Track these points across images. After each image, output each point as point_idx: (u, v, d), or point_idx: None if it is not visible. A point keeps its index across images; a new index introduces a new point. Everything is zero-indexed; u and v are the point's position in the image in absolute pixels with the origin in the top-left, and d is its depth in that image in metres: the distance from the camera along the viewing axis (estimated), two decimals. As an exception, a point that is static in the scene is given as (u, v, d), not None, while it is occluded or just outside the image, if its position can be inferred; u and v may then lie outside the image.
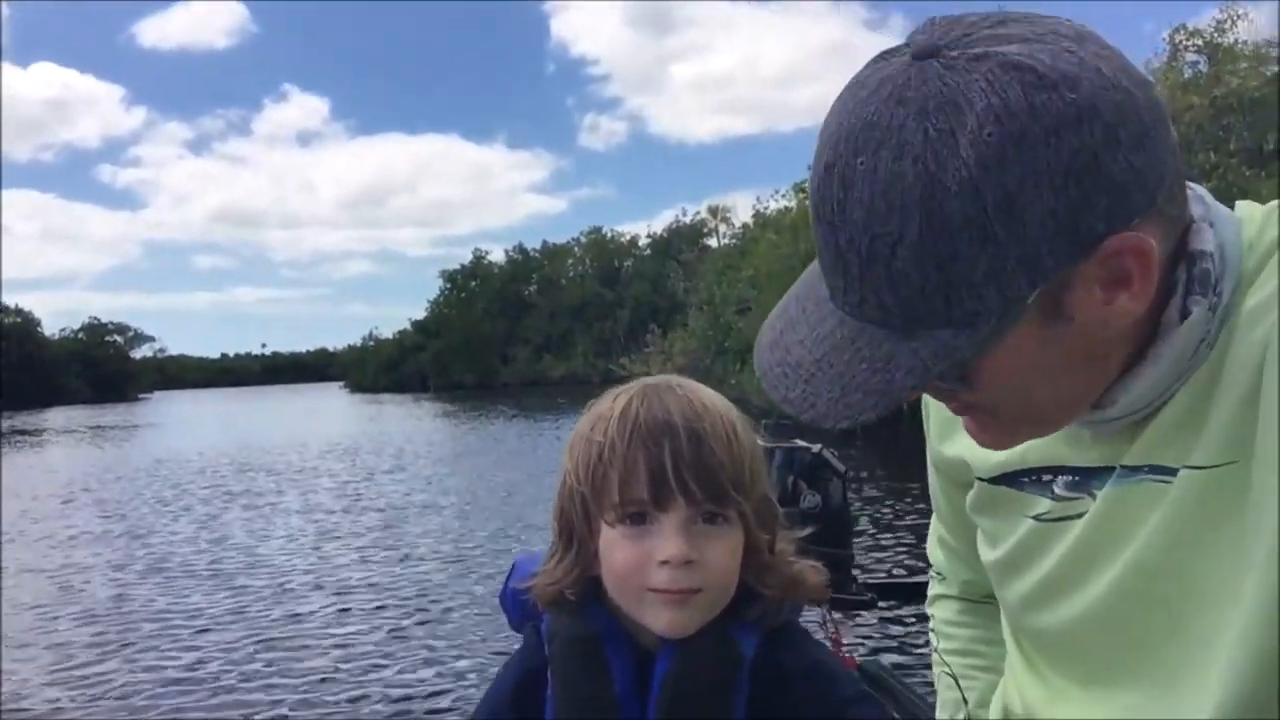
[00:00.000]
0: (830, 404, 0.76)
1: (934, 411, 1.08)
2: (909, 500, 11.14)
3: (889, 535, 9.53)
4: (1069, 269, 0.71)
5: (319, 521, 12.24)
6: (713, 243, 54.39)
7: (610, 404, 0.97)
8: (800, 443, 1.99)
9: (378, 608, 7.78)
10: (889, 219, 0.69)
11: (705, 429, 0.92)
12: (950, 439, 1.05)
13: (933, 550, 1.27)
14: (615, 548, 0.93)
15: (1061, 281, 0.72)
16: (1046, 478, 0.92)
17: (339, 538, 11.04)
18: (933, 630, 1.28)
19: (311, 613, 7.70)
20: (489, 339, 77.00)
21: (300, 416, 44.92)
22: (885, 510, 10.84)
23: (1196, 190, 0.81)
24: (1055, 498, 0.91)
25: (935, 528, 1.25)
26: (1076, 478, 0.89)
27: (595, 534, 0.95)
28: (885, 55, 0.74)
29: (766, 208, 39.81)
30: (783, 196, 37.96)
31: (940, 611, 1.27)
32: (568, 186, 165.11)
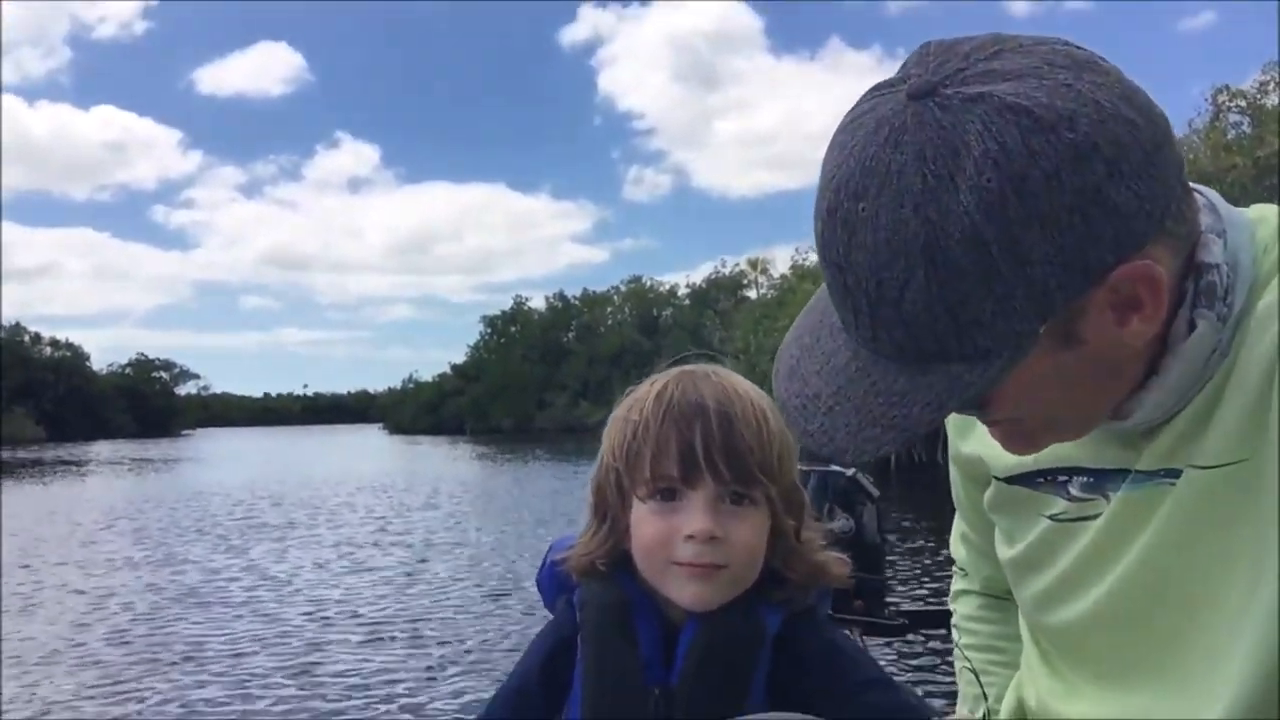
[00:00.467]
0: (849, 437, 0.76)
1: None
2: (944, 528, 10.88)
3: (924, 562, 9.38)
4: (1080, 299, 0.71)
5: (351, 554, 12.34)
6: (751, 294, 54.49)
7: (648, 388, 1.02)
8: (835, 466, 1.99)
9: (407, 638, 7.82)
10: (894, 264, 0.70)
11: (736, 413, 0.97)
12: (968, 437, 1.06)
13: (955, 546, 1.28)
14: (645, 522, 0.98)
15: (1073, 312, 0.72)
16: (1062, 479, 0.92)
17: (369, 569, 11.13)
18: (955, 625, 1.28)
19: (337, 641, 7.77)
20: (527, 384, 77.31)
21: (338, 455, 45.30)
22: (920, 537, 10.65)
23: (1208, 197, 0.81)
24: (1071, 498, 0.92)
25: (958, 524, 1.25)
26: (1091, 479, 0.90)
27: (628, 509, 1.00)
28: (880, 90, 0.74)
29: (805, 259, 39.92)
30: (821, 248, 37.89)
31: (962, 607, 1.28)
32: (610, 237, 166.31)
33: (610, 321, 78.81)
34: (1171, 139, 0.74)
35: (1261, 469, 0.76)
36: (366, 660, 7.15)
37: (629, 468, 0.99)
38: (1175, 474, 0.82)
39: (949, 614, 1.30)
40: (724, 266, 69.33)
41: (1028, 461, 0.94)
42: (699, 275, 78.76)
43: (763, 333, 34.56)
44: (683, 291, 76.05)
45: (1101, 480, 0.89)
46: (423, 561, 11.60)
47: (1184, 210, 0.75)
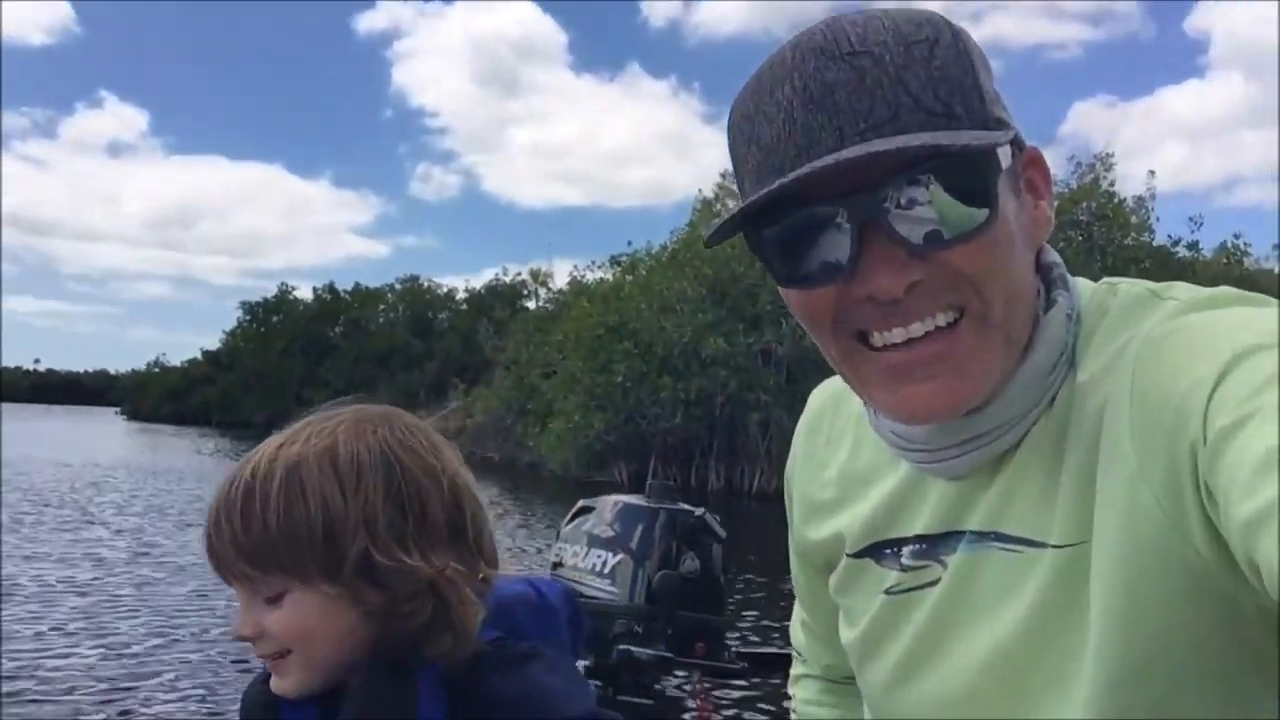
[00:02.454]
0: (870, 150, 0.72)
1: (798, 496, 1.07)
2: (787, 571, 10.97)
3: (765, 604, 9.42)
4: (1018, 155, 0.80)
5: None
6: (531, 305, 54.44)
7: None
8: (684, 505, 1.94)
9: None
10: (920, 30, 0.76)
11: (253, 507, 0.88)
12: (816, 522, 1.03)
13: (795, 633, 1.26)
14: None
15: (1017, 166, 0.80)
16: (895, 550, 0.91)
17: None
18: (793, 711, 1.27)
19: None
20: (286, 378, 73.68)
21: (62, 440, 41.30)
22: (763, 579, 10.72)
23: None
24: (903, 568, 0.90)
25: (798, 612, 1.24)
26: (923, 545, 0.88)
27: None
28: None
29: (583, 277, 40.28)
30: (599, 268, 38.49)
31: (802, 691, 1.26)
32: (393, 232, 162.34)
33: (382, 320, 76.39)
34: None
35: (1089, 559, 0.76)
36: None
37: None
38: (1009, 540, 0.81)
39: (789, 657, 1.27)
40: (505, 274, 68.88)
41: (878, 528, 0.93)
42: (480, 281, 77.46)
43: (534, 345, 34.52)
44: (461, 295, 74.90)
45: (934, 546, 0.88)
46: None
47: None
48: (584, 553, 1.90)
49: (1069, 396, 0.80)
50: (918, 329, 0.77)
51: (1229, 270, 29.12)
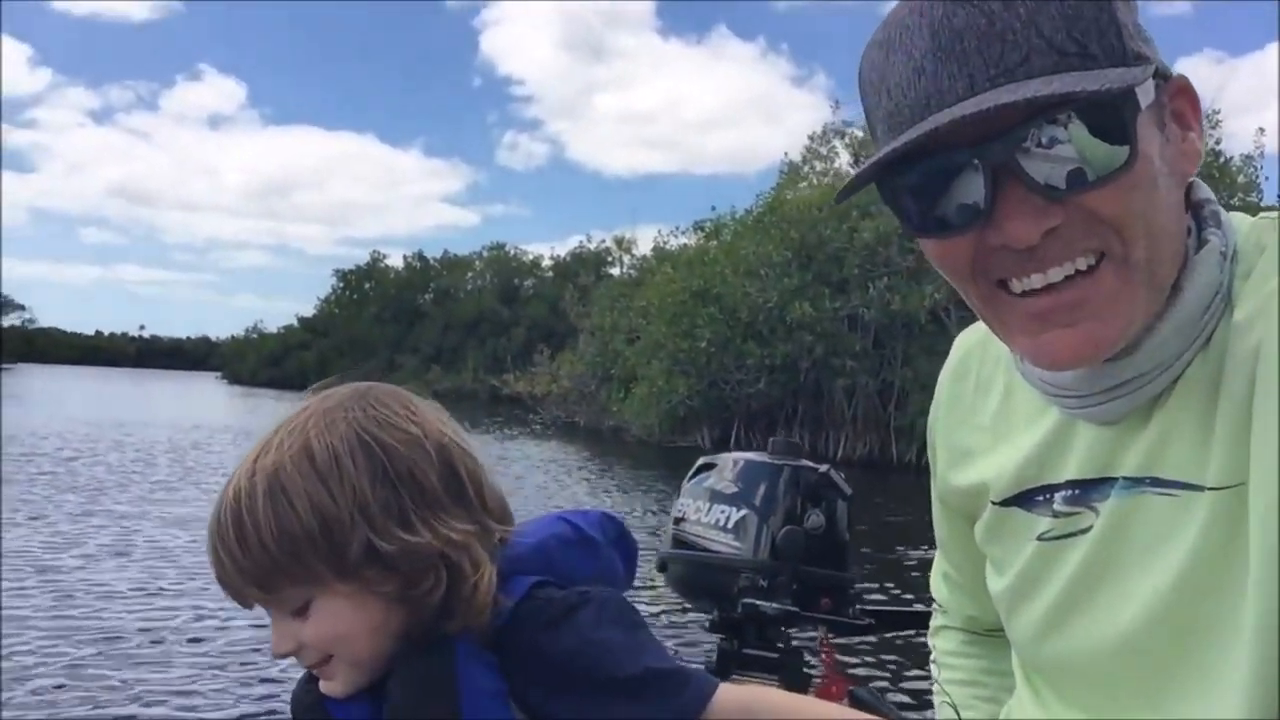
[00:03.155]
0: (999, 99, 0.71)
1: (942, 443, 1.06)
2: (913, 529, 11.05)
3: (891, 562, 9.45)
4: (1163, 89, 0.77)
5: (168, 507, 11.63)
6: (615, 271, 54.53)
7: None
8: (807, 462, 1.92)
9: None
10: None
11: (245, 526, 0.85)
12: (963, 467, 1.02)
13: (936, 585, 1.25)
14: None
15: (1162, 98, 0.77)
16: (1048, 496, 0.89)
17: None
18: (934, 662, 1.25)
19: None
20: (377, 344, 75.42)
21: (168, 403, 43.02)
22: (888, 537, 10.71)
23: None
24: (1055, 514, 0.89)
25: (939, 563, 1.22)
26: (1076, 491, 0.87)
27: None
28: None
29: (666, 241, 40.17)
30: (683, 234, 38.29)
31: (943, 643, 1.24)
32: (481, 201, 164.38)
33: (470, 287, 77.51)
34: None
35: (1247, 497, 0.74)
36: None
37: None
38: (1165, 484, 0.80)
39: (914, 614, 1.35)
40: (589, 241, 69.09)
41: (1028, 477, 0.92)
42: (565, 248, 77.91)
43: (618, 311, 34.60)
44: (546, 263, 75.47)
45: (1087, 491, 0.86)
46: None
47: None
48: (706, 509, 1.88)
49: (1224, 337, 0.77)
50: (1056, 274, 0.76)
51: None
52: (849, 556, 1.91)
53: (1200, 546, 0.77)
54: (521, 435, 30.38)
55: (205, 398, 53.36)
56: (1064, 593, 0.89)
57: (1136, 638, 0.82)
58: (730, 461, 1.93)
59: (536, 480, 17.07)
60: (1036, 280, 0.76)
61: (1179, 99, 0.80)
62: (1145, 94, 0.74)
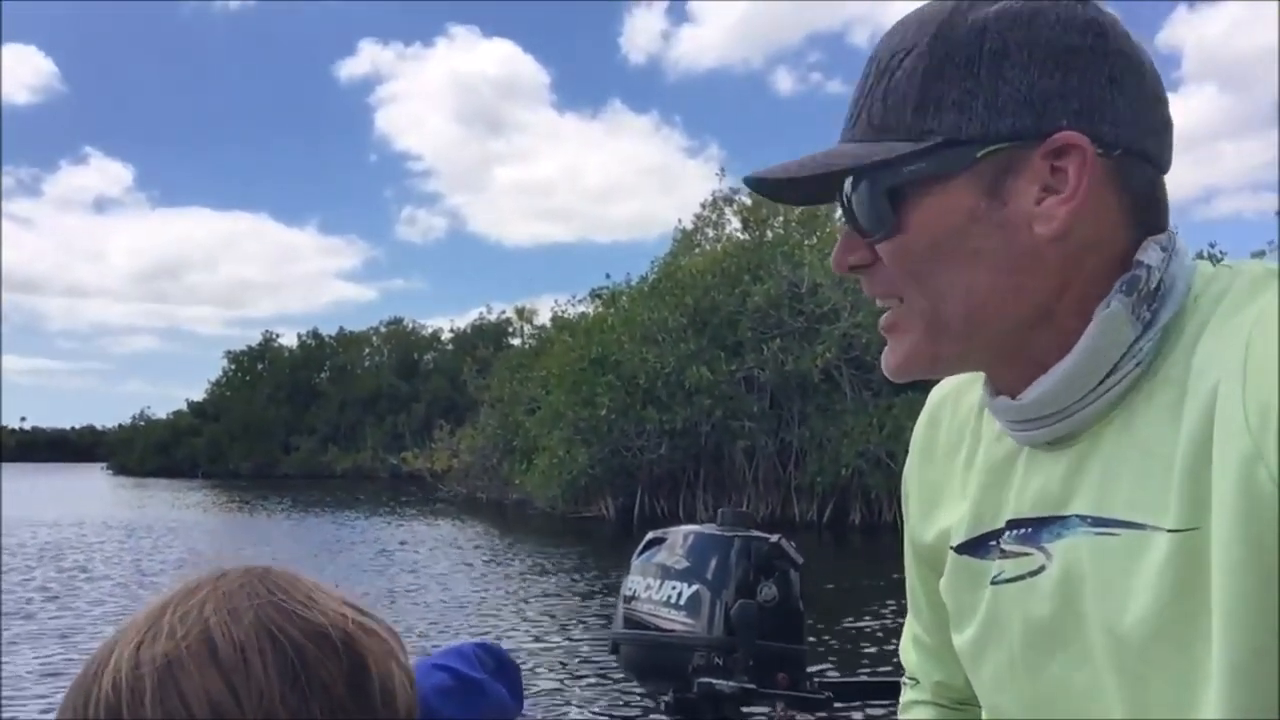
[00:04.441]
0: (800, 166, 0.86)
1: (914, 493, 1.07)
2: (868, 596, 10.70)
3: (847, 631, 9.13)
4: (1019, 150, 0.79)
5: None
6: (517, 342, 54.41)
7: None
8: (758, 532, 1.86)
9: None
10: (908, 36, 0.83)
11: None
12: (933, 516, 1.03)
13: (905, 652, 1.22)
14: None
15: (1008, 161, 0.80)
16: (997, 539, 0.90)
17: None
18: None
19: None
20: (272, 426, 73.31)
21: (44, 498, 40.85)
22: (843, 605, 10.24)
23: (1170, 234, 0.85)
24: (1005, 555, 0.89)
25: (910, 626, 1.20)
26: (1025, 530, 0.87)
27: None
28: None
29: (565, 311, 40.27)
30: (580, 302, 38.47)
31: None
32: (380, 276, 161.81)
33: (367, 364, 76.26)
34: (1167, 119, 0.85)
35: (1207, 543, 0.74)
36: None
37: None
38: (1117, 524, 0.80)
39: (873, 685, 1.29)
40: (489, 313, 68.86)
41: (984, 521, 0.93)
42: (466, 320, 77.19)
43: (518, 382, 34.38)
44: (446, 336, 74.87)
45: (1036, 530, 0.86)
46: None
47: (1147, 182, 0.84)
48: (657, 585, 1.83)
49: (1182, 376, 0.78)
50: (880, 303, 0.89)
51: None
52: (803, 628, 1.87)
53: (1159, 589, 0.77)
54: (422, 514, 29.74)
55: (87, 490, 50.83)
56: (1022, 640, 0.88)
57: (1100, 682, 0.82)
58: (680, 535, 1.90)
59: (439, 568, 16.55)
60: (879, 302, 0.90)
61: (1058, 158, 0.80)
62: (942, 164, 0.81)
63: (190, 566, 0.79)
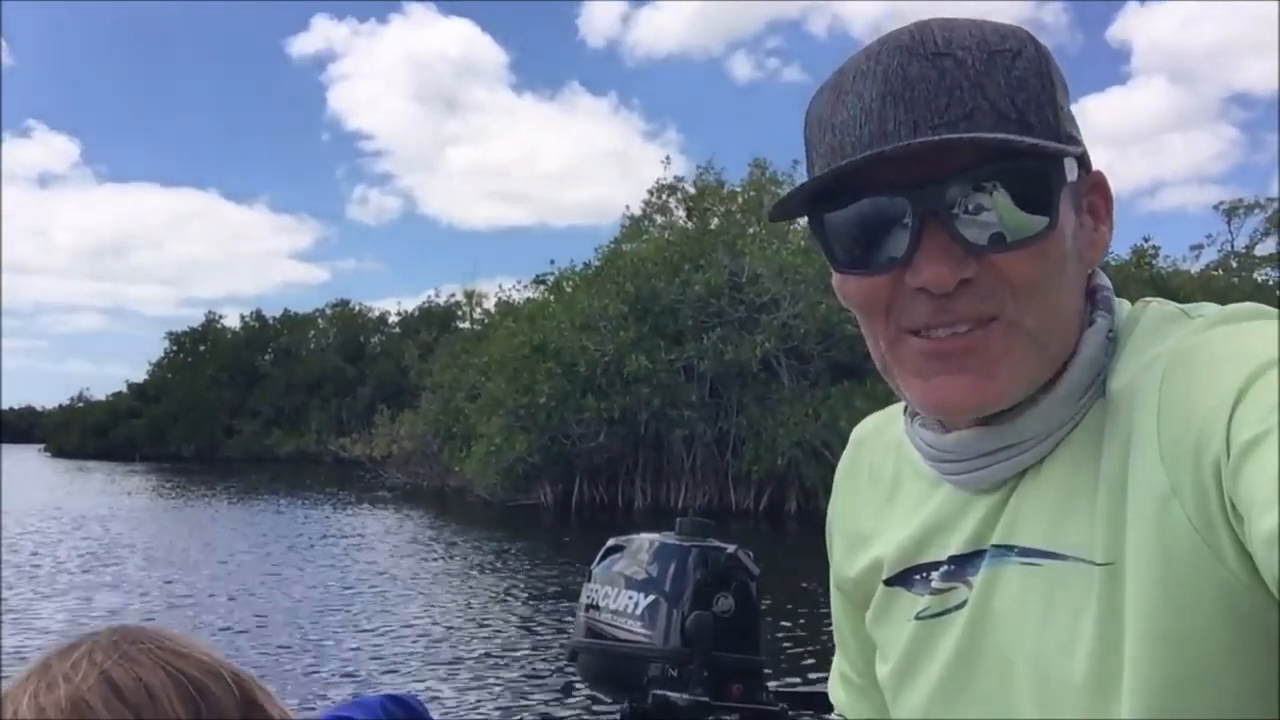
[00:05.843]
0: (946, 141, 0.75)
1: (839, 534, 1.06)
2: (822, 605, 10.68)
3: (801, 640, 9.15)
4: (1083, 177, 0.81)
5: None
6: (465, 325, 53.99)
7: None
8: (715, 542, 1.86)
9: None
10: (1006, 40, 0.78)
11: None
12: (857, 553, 1.02)
13: (834, 690, 1.22)
14: None
15: (1084, 186, 0.81)
16: (926, 574, 0.90)
17: None
18: None
19: None
20: (214, 408, 72.13)
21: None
22: (798, 614, 10.13)
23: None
24: (933, 591, 0.89)
25: (838, 664, 1.19)
26: (952, 566, 0.87)
27: None
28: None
29: (510, 296, 40.03)
30: (526, 287, 38.25)
31: None
32: (332, 256, 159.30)
33: (313, 346, 75.23)
34: None
35: (1123, 577, 0.74)
36: None
37: None
38: (1034, 553, 0.80)
39: (825, 695, 1.25)
40: (438, 296, 68.21)
41: (908, 554, 0.92)
42: (415, 303, 76.26)
43: (460, 367, 34.10)
44: (394, 318, 74.07)
45: (961, 566, 0.86)
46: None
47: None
48: (615, 594, 1.84)
49: (1100, 414, 0.79)
50: (961, 328, 0.79)
51: (1139, 273, 30.01)
52: (759, 639, 1.87)
53: (1075, 621, 0.77)
54: (361, 503, 29.43)
55: (21, 473, 49.68)
56: (943, 673, 0.88)
57: (1018, 714, 0.82)
58: (639, 543, 1.89)
59: (373, 557, 16.35)
60: (942, 334, 0.79)
61: (1095, 193, 0.84)
62: (1070, 171, 0.78)
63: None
